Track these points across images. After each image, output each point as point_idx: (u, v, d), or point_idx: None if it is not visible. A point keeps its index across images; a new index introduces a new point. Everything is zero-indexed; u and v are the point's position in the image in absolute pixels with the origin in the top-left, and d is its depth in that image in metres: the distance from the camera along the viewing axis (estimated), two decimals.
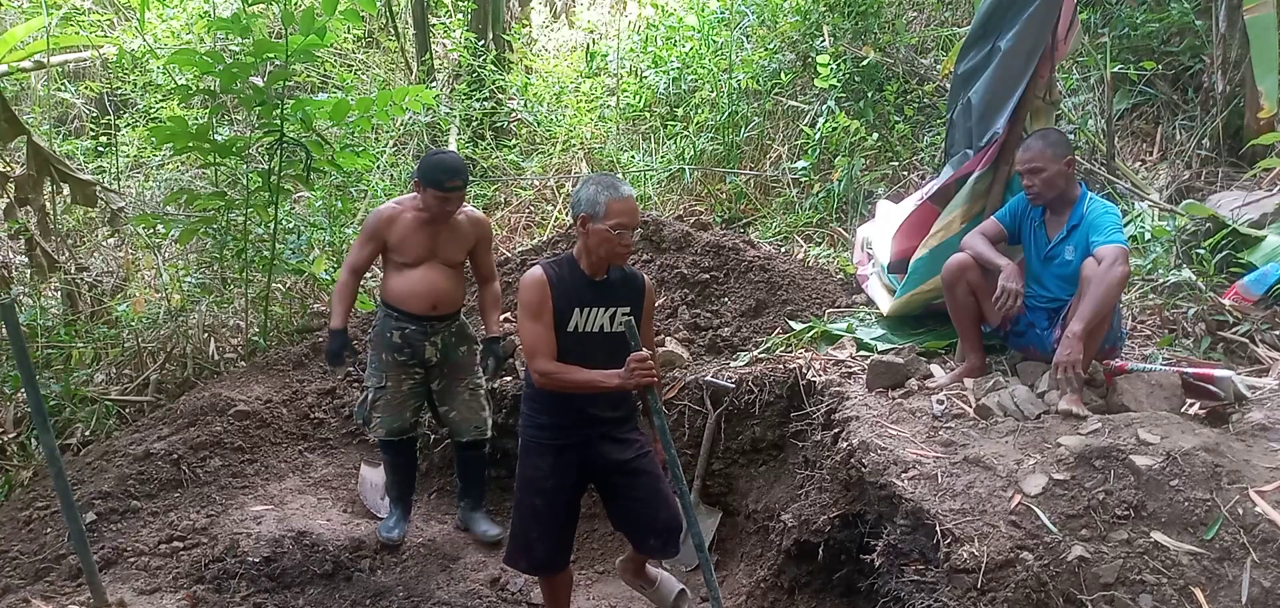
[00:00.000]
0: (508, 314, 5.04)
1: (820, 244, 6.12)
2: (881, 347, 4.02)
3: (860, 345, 4.12)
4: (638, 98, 8.46)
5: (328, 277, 5.81)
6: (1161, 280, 4.08)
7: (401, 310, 3.72)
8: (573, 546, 3.18)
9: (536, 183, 8.36)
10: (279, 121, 4.86)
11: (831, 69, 6.62)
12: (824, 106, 6.77)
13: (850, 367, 3.88)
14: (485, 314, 3.95)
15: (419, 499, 4.35)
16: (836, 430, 3.29)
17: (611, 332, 2.86)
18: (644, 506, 3.00)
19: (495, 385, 4.45)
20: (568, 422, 2.91)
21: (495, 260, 4.11)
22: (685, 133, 7.74)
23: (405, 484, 3.97)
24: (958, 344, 3.62)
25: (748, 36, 8.03)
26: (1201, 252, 4.03)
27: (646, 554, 3.20)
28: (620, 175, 7.83)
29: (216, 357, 5.31)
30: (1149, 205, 4.74)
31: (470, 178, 3.71)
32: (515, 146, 8.88)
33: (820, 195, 6.53)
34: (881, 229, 4.70)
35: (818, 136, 6.62)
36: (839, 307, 4.67)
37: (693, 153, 7.52)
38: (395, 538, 3.84)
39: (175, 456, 3.99)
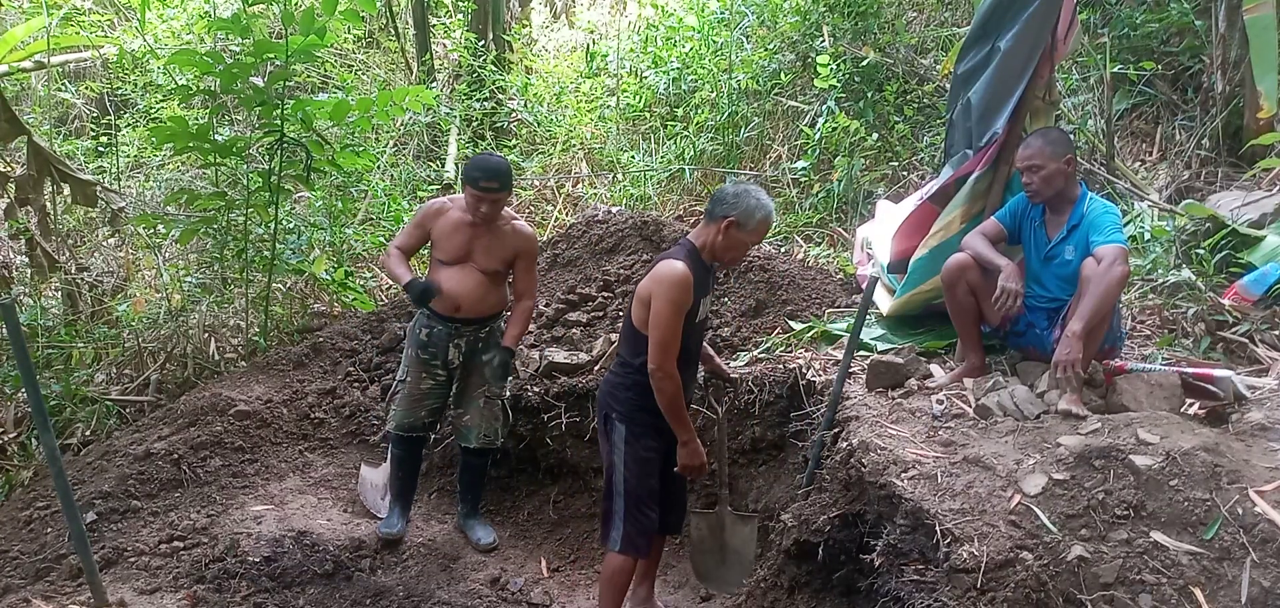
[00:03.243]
0: None
1: (820, 244, 6.12)
2: (881, 347, 4.02)
3: (860, 345, 4.11)
4: (638, 98, 8.46)
5: (328, 277, 5.81)
6: (1161, 280, 4.08)
7: (431, 309, 3.77)
8: None
9: (536, 183, 8.37)
10: (279, 122, 4.87)
11: (831, 69, 6.62)
12: (824, 107, 6.77)
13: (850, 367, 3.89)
14: (509, 324, 3.93)
15: (419, 499, 4.34)
16: (836, 430, 3.29)
17: (706, 317, 3.22)
18: (682, 484, 3.47)
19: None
20: None
21: (536, 277, 4.04)
22: (685, 133, 7.74)
23: (407, 481, 3.98)
24: (957, 344, 3.63)
25: (747, 37, 8.04)
26: (1201, 252, 4.03)
27: (671, 532, 3.54)
28: (621, 172, 7.86)
29: (217, 357, 5.31)
30: (1149, 205, 4.74)
31: (512, 186, 3.73)
32: (515, 147, 8.88)
33: (820, 195, 6.53)
34: (881, 229, 4.70)
35: (817, 137, 6.62)
36: (839, 307, 4.67)
37: (693, 153, 7.52)
38: (396, 534, 3.84)
39: (175, 455, 3.99)
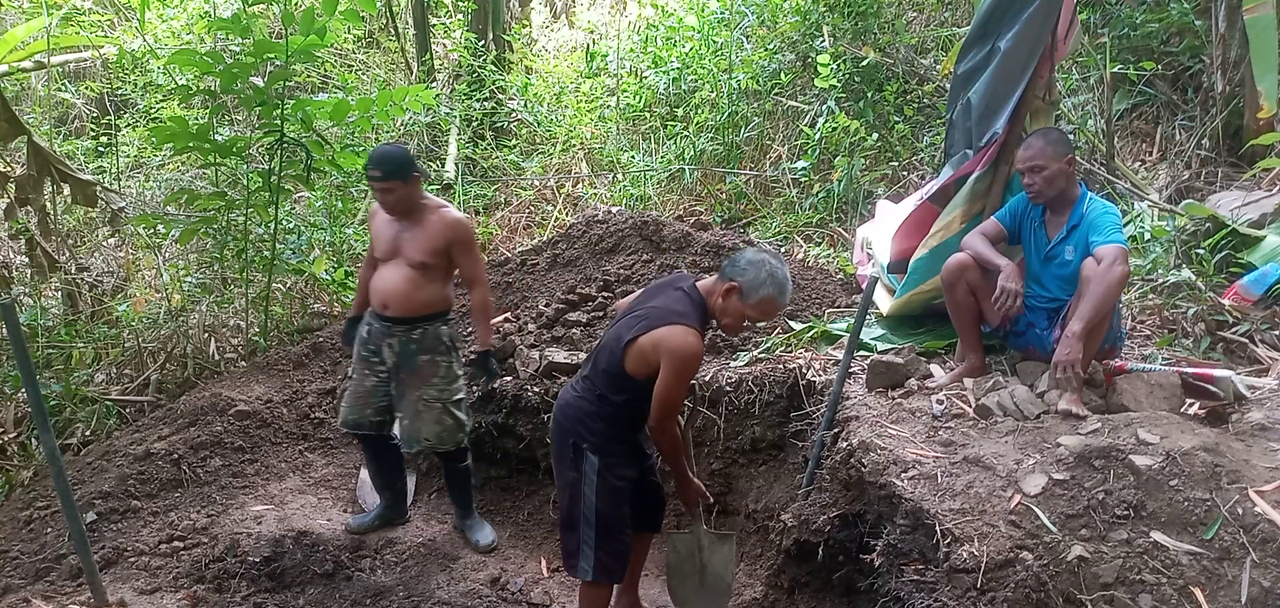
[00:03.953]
0: (505, 316, 5.04)
1: (820, 244, 6.12)
2: (881, 347, 4.02)
3: (860, 345, 4.12)
4: (638, 98, 8.46)
5: (328, 277, 5.82)
6: (1161, 280, 4.08)
7: (373, 308, 3.75)
8: None
9: (536, 183, 8.37)
10: (279, 122, 4.87)
11: (831, 69, 6.62)
12: (824, 107, 6.78)
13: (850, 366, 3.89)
14: (475, 323, 3.87)
15: (419, 500, 4.35)
16: (836, 430, 3.29)
17: None
18: (658, 491, 3.45)
19: (495, 386, 4.45)
20: (640, 433, 3.15)
21: (482, 261, 3.88)
22: (685, 133, 7.74)
23: (382, 473, 3.95)
24: (957, 344, 3.63)
25: (748, 37, 8.04)
26: (1201, 252, 4.03)
27: (654, 529, 3.51)
28: (621, 172, 7.86)
29: (217, 357, 5.31)
30: (1149, 205, 4.74)
31: (409, 174, 3.53)
32: (515, 147, 8.88)
33: (820, 195, 6.53)
34: (881, 229, 4.71)
35: (818, 137, 6.62)
36: (839, 307, 4.67)
37: (693, 153, 7.53)
38: (364, 525, 3.88)
39: (175, 455, 4.00)
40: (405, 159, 3.55)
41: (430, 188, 7.93)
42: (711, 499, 3.32)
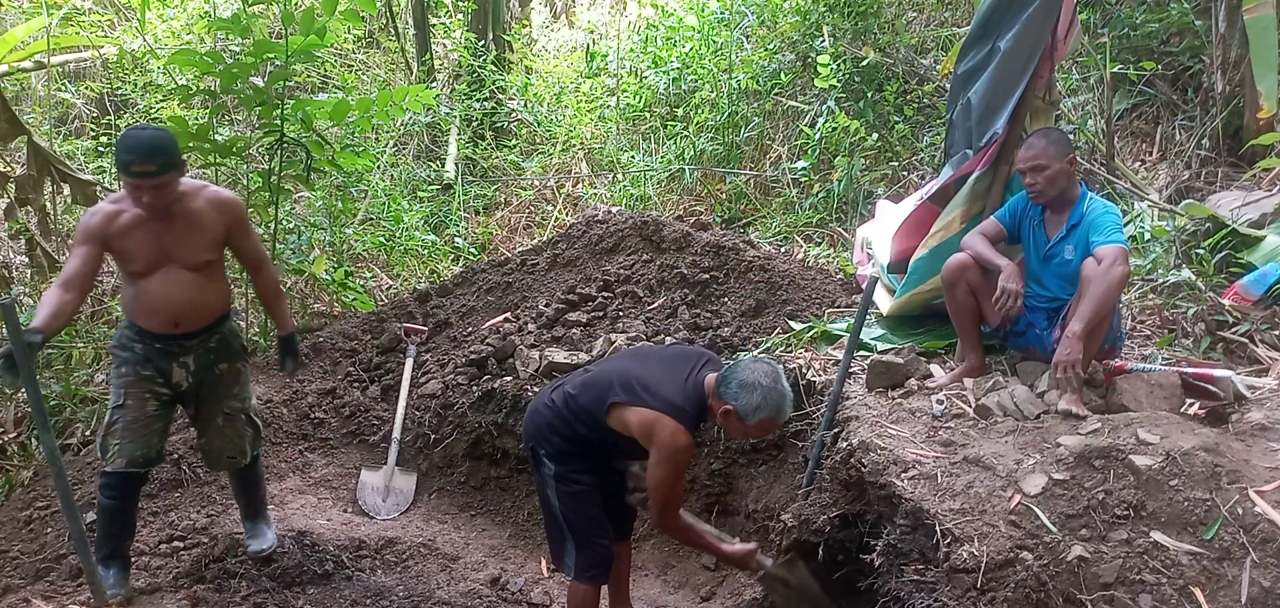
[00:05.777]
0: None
1: (820, 244, 6.12)
2: (881, 347, 4.02)
3: (860, 345, 4.11)
4: (638, 98, 8.46)
5: (328, 277, 5.82)
6: (1161, 280, 4.08)
7: (141, 328, 3.10)
8: None
9: (536, 183, 8.37)
10: (279, 122, 4.87)
11: (831, 69, 6.62)
12: (824, 107, 6.77)
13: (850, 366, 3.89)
14: (269, 308, 3.34)
15: (419, 500, 4.35)
16: (836, 430, 3.29)
17: None
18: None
19: (494, 385, 4.45)
20: (601, 456, 3.15)
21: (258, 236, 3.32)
22: (685, 133, 7.74)
23: (124, 534, 3.26)
24: (957, 344, 3.63)
25: (747, 37, 8.04)
26: (1201, 252, 4.03)
27: (623, 538, 3.45)
28: (621, 172, 7.86)
29: None
30: (1149, 205, 4.74)
31: (181, 161, 2.96)
32: (515, 147, 8.88)
33: (820, 195, 6.53)
34: (881, 229, 4.71)
35: (817, 137, 6.62)
36: (839, 307, 4.67)
37: (693, 153, 7.53)
38: (118, 597, 3.17)
39: (175, 455, 4.00)
40: (175, 144, 2.96)
41: (429, 188, 7.95)
42: (757, 547, 3.29)
